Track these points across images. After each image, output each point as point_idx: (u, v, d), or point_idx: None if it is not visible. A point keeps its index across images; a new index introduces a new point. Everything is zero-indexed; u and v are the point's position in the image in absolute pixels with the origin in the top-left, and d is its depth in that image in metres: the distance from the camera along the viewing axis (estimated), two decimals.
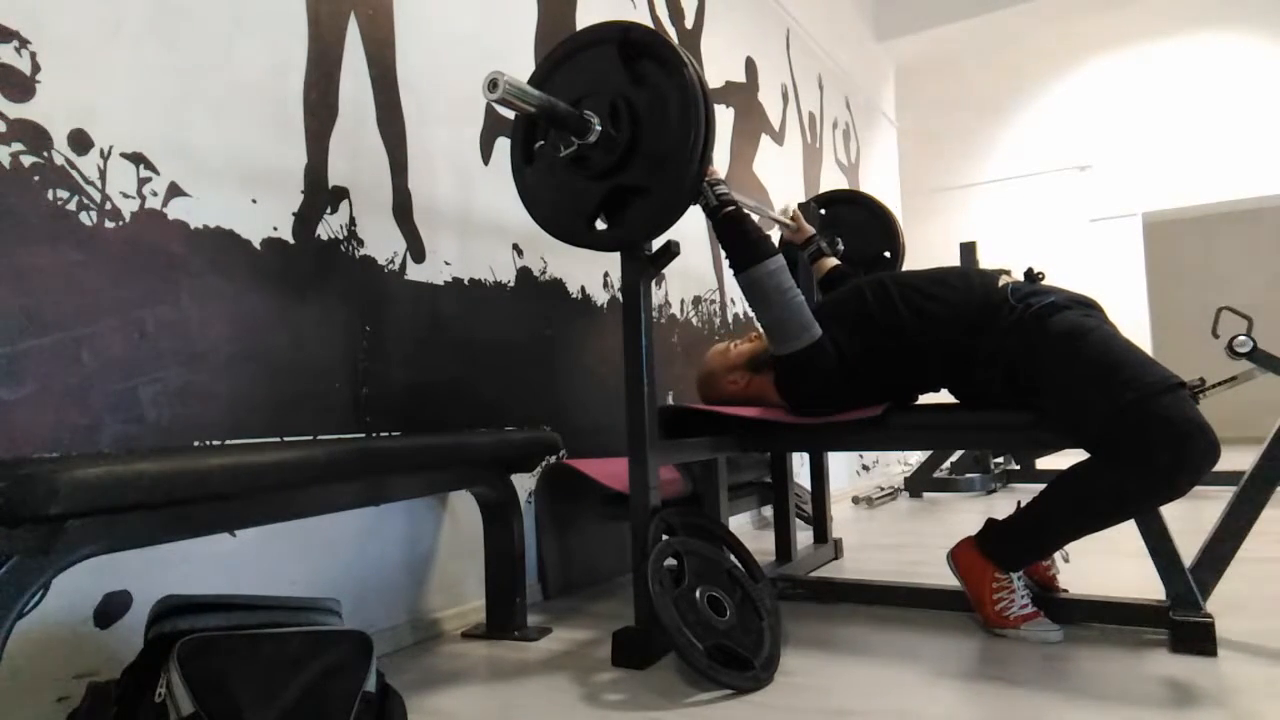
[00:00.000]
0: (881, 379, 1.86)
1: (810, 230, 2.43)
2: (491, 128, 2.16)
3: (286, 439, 1.55)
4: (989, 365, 1.73)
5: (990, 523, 1.76)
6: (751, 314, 3.52)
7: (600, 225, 1.66)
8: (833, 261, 2.41)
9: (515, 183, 1.75)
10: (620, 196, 1.60)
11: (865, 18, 5.62)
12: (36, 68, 1.24)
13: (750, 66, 3.75)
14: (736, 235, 1.77)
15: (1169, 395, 1.48)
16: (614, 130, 1.55)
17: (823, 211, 2.70)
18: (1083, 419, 1.58)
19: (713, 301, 3.25)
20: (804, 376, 1.87)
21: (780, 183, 3.93)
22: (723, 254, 1.84)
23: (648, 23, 2.94)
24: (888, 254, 2.73)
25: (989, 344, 1.72)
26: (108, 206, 1.32)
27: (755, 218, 1.84)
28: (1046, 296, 1.71)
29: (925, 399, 1.97)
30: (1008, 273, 1.83)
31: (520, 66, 2.30)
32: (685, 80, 1.50)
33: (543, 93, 1.49)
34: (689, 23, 3.24)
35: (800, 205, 2.60)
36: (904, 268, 2.62)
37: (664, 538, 1.60)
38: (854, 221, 2.75)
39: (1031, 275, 1.84)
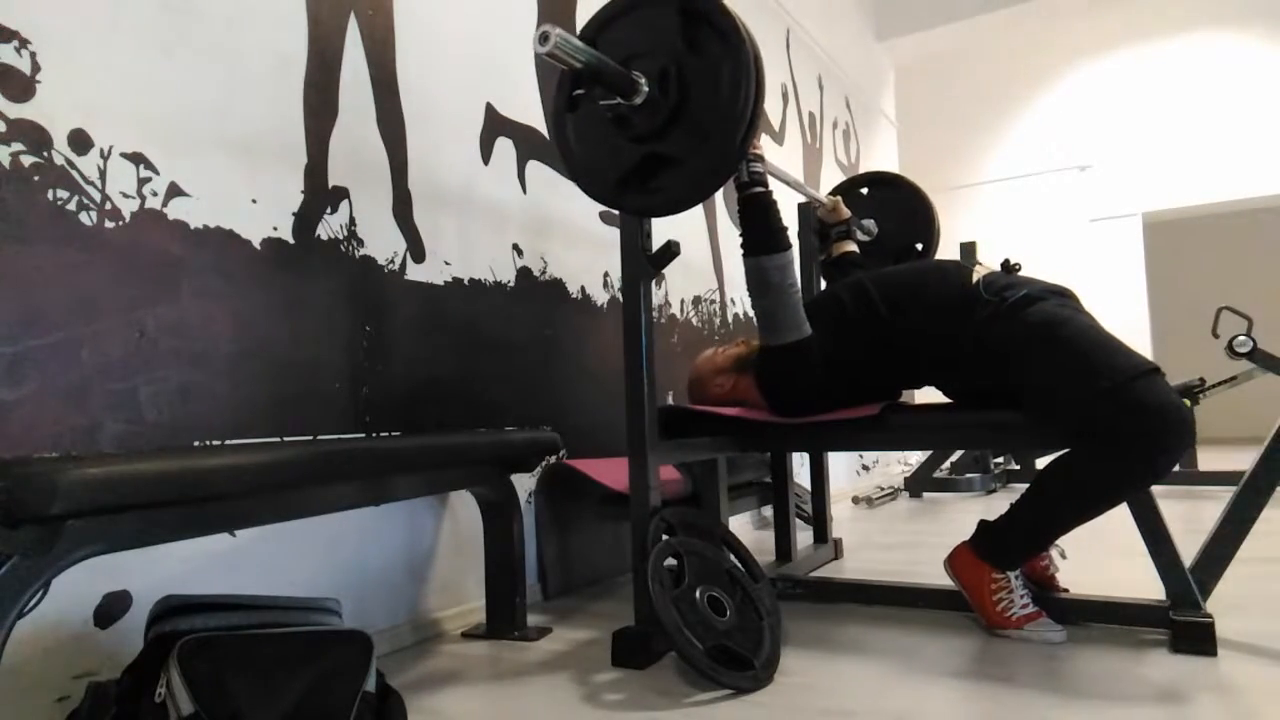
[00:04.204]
0: (865, 380, 1.88)
1: (846, 214, 2.44)
2: (491, 128, 2.16)
3: (286, 439, 1.55)
4: (972, 361, 1.74)
5: (983, 524, 1.77)
6: (752, 314, 3.53)
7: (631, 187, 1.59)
8: (850, 246, 2.41)
9: (555, 133, 1.67)
10: (655, 163, 1.54)
11: (865, 18, 5.62)
12: (36, 68, 1.24)
13: None
14: (760, 219, 1.78)
15: (1143, 380, 1.51)
16: (661, 95, 1.49)
17: (864, 191, 2.69)
18: (1062, 409, 1.60)
19: (713, 301, 3.25)
20: (785, 374, 1.88)
21: (779, 183, 3.92)
22: (729, 246, 1.85)
23: None
24: (920, 243, 2.68)
25: (969, 339, 1.73)
26: (108, 206, 1.32)
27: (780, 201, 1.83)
28: (1020, 289, 1.72)
29: (924, 399, 1.97)
30: (980, 264, 1.84)
31: (520, 66, 2.30)
32: (742, 56, 1.43)
33: (593, 50, 1.43)
34: None
35: (841, 187, 2.59)
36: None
37: (664, 538, 1.60)
38: (892, 205, 2.71)
39: (1008, 266, 1.84)
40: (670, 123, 1.49)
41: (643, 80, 1.48)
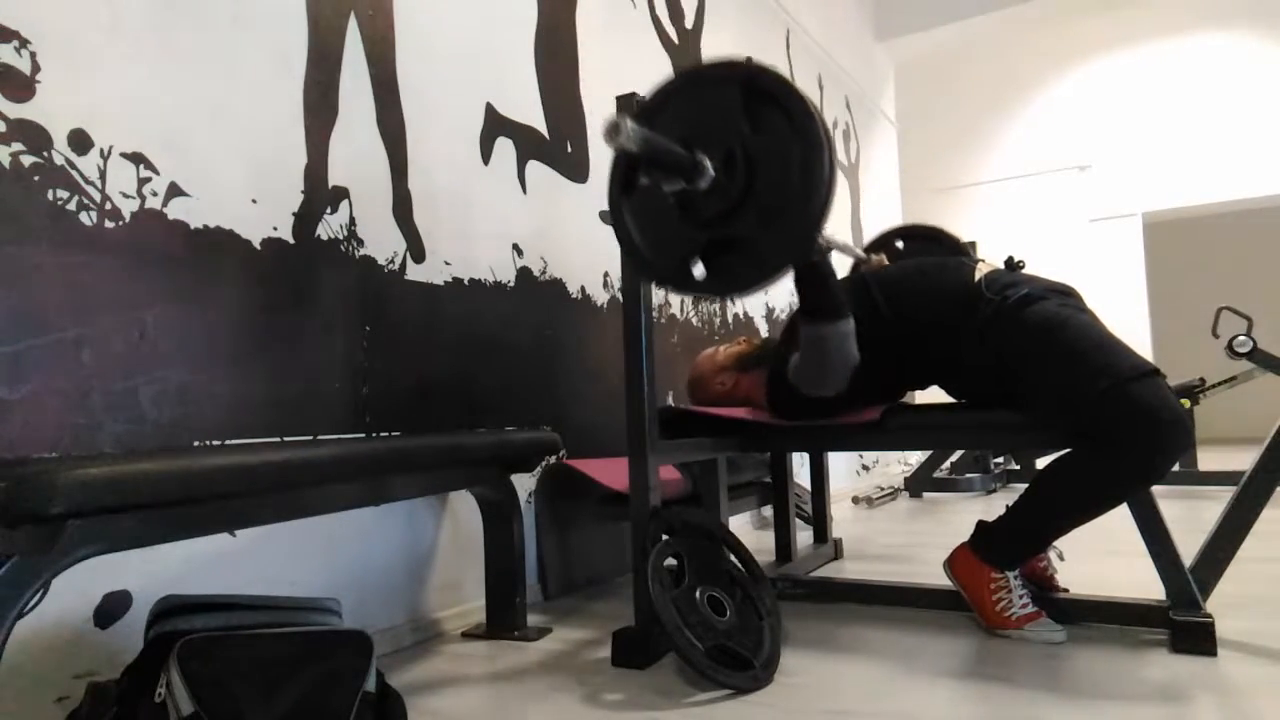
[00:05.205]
0: (869, 381, 1.87)
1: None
2: (491, 128, 2.16)
3: (286, 439, 1.55)
4: (974, 360, 1.73)
5: (981, 524, 1.77)
6: (750, 314, 3.53)
7: (697, 270, 1.52)
8: None
9: (611, 216, 1.59)
10: (720, 247, 1.47)
11: (865, 18, 5.62)
12: (36, 68, 1.24)
13: None
14: (820, 287, 1.71)
15: (1141, 381, 1.51)
16: (727, 179, 1.41)
17: (900, 245, 2.65)
18: (1060, 410, 1.60)
19: (713, 301, 3.25)
20: (805, 407, 1.88)
21: None
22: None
23: (647, 23, 2.94)
24: None
25: (970, 338, 1.72)
26: (108, 206, 1.32)
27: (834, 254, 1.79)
28: (1021, 288, 1.71)
29: (924, 399, 1.97)
30: (983, 260, 1.83)
31: (520, 67, 2.30)
32: (813, 137, 1.36)
33: (659, 137, 1.35)
34: (689, 23, 3.24)
35: (879, 240, 2.57)
36: None
37: (664, 538, 1.60)
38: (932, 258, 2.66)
39: (1011, 264, 1.83)
40: (739, 205, 1.41)
41: (708, 164, 1.40)
